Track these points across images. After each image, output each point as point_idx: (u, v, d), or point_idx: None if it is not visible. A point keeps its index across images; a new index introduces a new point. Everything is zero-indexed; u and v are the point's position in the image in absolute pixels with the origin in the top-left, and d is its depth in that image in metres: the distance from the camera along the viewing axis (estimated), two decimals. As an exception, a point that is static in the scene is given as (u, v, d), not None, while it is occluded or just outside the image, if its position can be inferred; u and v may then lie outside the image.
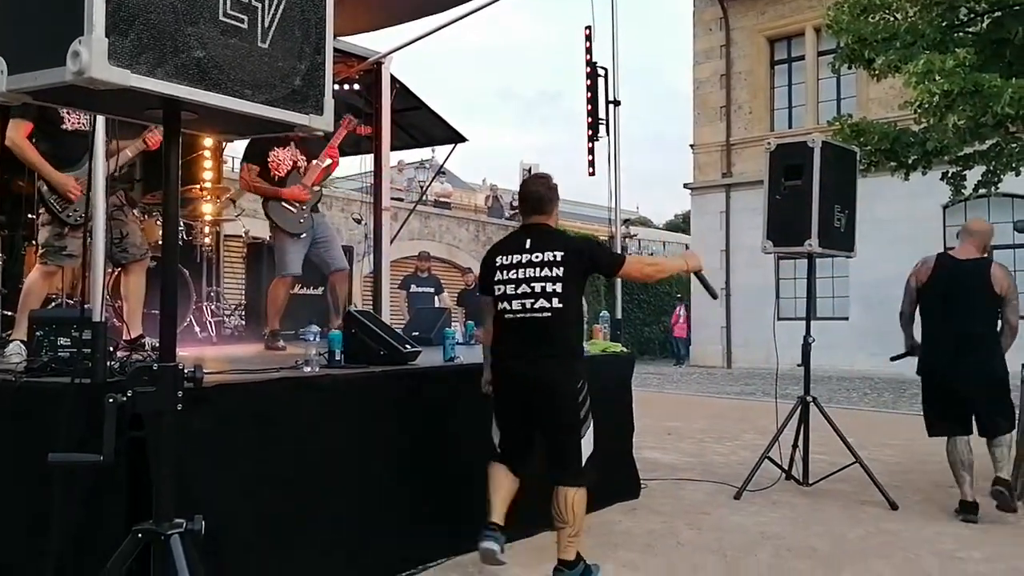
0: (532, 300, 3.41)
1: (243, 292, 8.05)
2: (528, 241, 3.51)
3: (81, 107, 2.80)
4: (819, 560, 3.89)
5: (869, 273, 14.82)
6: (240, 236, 8.06)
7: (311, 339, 3.65)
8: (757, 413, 8.49)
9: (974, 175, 7.77)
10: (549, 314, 3.39)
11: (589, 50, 6.87)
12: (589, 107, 6.79)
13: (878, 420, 9.30)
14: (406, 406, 3.75)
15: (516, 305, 3.44)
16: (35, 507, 2.73)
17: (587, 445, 3.41)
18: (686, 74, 22.80)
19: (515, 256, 3.49)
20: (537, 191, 3.62)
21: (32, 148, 4.03)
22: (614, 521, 4.48)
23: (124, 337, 4.02)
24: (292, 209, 5.28)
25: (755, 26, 19.11)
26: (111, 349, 2.99)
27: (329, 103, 2.08)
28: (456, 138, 8.87)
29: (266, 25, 1.93)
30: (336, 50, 5.79)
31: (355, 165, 8.37)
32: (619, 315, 5.98)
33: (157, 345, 2.29)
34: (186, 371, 2.04)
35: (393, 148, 7.93)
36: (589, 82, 6.78)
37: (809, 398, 5.27)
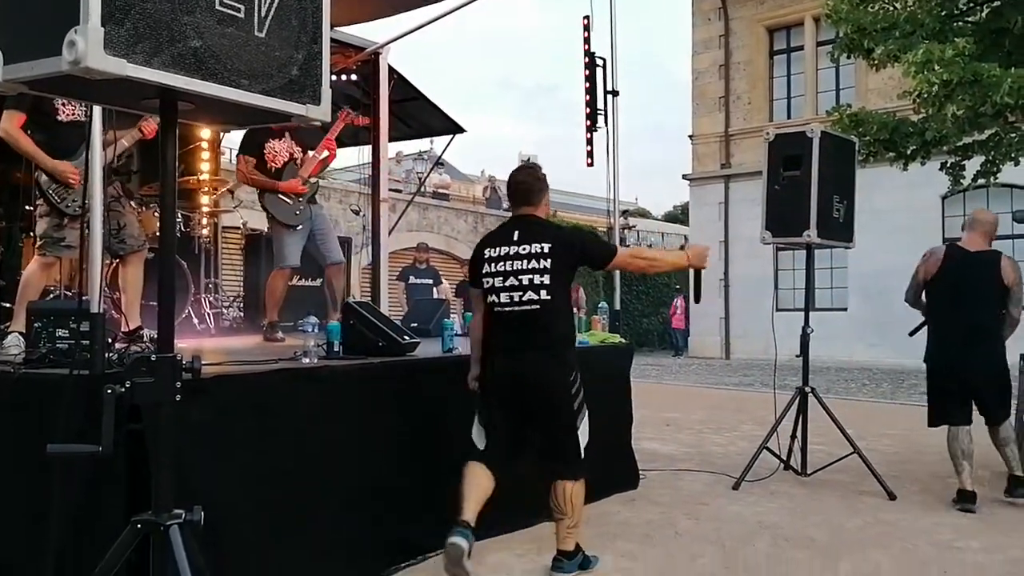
0: (520, 293, 3.36)
1: (241, 283, 8.05)
2: (516, 233, 3.45)
3: (77, 97, 2.79)
4: (817, 550, 3.90)
5: (868, 264, 14.83)
6: (238, 227, 8.07)
7: (309, 330, 3.63)
8: (755, 404, 8.49)
9: (973, 165, 7.75)
10: (538, 307, 3.35)
11: (587, 40, 6.86)
12: (587, 97, 6.78)
13: (876, 411, 9.31)
14: (405, 397, 3.74)
15: (504, 298, 3.39)
16: (34, 498, 2.73)
17: (583, 436, 3.40)
18: (685, 64, 22.76)
19: (503, 248, 3.43)
20: (525, 182, 3.56)
21: (27, 138, 4.02)
22: (613, 512, 4.49)
23: (122, 328, 4.01)
24: (288, 201, 5.27)
25: (754, 16, 19.06)
26: (109, 340, 2.99)
27: (326, 93, 2.07)
28: (454, 129, 8.85)
29: (263, 14, 1.92)
30: (333, 40, 5.80)
31: (353, 156, 8.38)
32: (618, 306, 5.98)
33: (155, 336, 2.29)
34: (184, 362, 2.04)
35: (391, 139, 7.90)
36: (587, 72, 6.77)
37: (807, 389, 5.28)
